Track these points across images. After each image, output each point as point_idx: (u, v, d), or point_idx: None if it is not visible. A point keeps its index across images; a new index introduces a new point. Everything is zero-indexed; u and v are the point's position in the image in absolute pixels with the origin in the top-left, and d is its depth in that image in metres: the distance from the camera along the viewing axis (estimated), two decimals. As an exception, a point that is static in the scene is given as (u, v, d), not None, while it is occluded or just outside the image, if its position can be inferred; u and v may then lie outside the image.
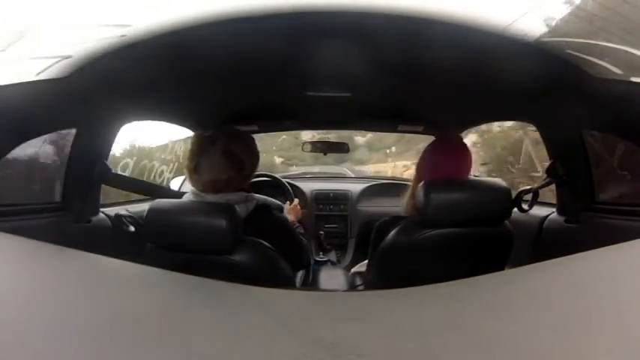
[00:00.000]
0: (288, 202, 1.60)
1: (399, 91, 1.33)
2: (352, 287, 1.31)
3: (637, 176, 0.96)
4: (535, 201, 1.15)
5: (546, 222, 1.20)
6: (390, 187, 2.09)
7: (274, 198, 1.61)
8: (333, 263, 1.91)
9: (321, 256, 1.94)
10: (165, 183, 1.93)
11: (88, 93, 0.98)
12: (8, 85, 0.80)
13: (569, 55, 0.81)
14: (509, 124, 2.88)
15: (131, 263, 0.52)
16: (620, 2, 0.76)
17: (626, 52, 0.78)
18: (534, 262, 0.51)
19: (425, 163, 1.10)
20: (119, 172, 1.47)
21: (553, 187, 1.19)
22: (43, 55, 0.82)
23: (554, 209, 1.20)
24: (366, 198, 2.16)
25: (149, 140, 2.10)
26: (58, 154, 1.08)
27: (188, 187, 1.02)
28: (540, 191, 1.17)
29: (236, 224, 0.84)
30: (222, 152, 0.92)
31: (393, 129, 1.94)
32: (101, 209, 1.23)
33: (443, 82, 1.14)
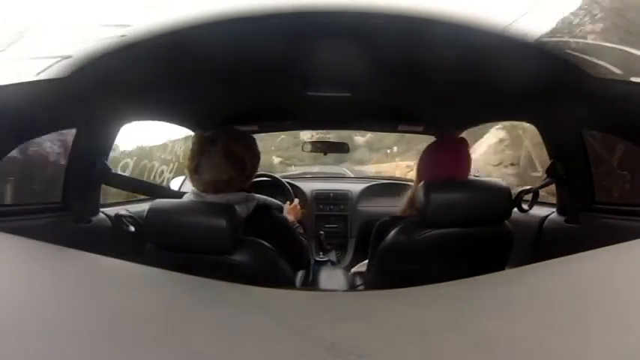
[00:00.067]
0: (288, 202, 1.60)
1: (399, 91, 1.33)
2: (352, 287, 1.31)
3: (637, 176, 0.96)
4: (535, 201, 1.15)
5: (546, 222, 1.20)
6: (390, 187, 2.09)
7: (274, 198, 1.61)
8: (333, 263, 1.91)
9: (321, 256, 1.94)
10: (165, 183, 1.93)
11: (88, 93, 0.98)
12: (8, 85, 0.80)
13: (569, 55, 0.81)
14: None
15: (131, 263, 0.52)
16: (621, 2, 0.76)
17: (626, 52, 0.78)
18: (534, 262, 0.51)
19: (424, 163, 1.10)
20: (119, 172, 1.47)
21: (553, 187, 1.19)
22: (43, 55, 0.82)
23: (554, 209, 1.20)
24: (366, 198, 2.16)
25: (149, 140, 2.10)
26: (58, 154, 1.08)
27: (188, 187, 1.02)
28: (540, 191, 1.17)
29: (236, 224, 0.84)
30: (224, 152, 0.92)
31: (393, 129, 1.94)
32: (101, 209, 1.23)
33: (443, 82, 1.14)
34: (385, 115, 1.63)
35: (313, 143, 2.22)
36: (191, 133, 1.62)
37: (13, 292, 0.41)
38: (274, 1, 0.73)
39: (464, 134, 1.67)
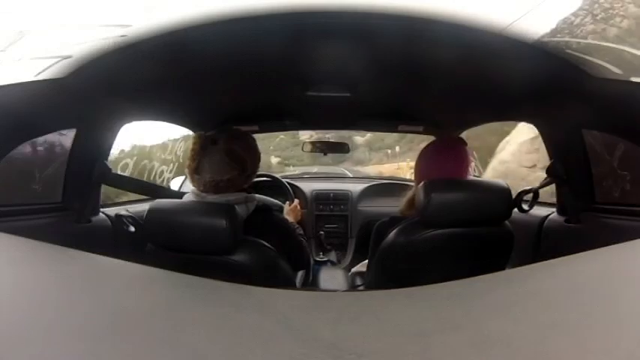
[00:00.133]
0: (287, 203, 1.60)
1: (399, 91, 1.33)
2: (352, 287, 1.31)
3: (637, 176, 0.96)
4: (535, 201, 1.15)
5: (546, 222, 1.20)
6: (391, 187, 2.09)
7: (274, 198, 1.62)
8: (333, 263, 1.91)
9: (321, 256, 1.94)
10: (165, 183, 1.92)
11: (88, 93, 0.98)
12: (8, 85, 0.80)
13: (569, 55, 0.81)
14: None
15: (131, 263, 0.52)
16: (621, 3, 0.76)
17: (626, 52, 0.78)
18: (534, 262, 0.51)
19: (422, 163, 1.10)
20: (119, 172, 1.47)
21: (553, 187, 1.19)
22: (43, 55, 0.82)
23: (554, 209, 1.20)
24: (367, 198, 2.16)
25: (149, 140, 2.10)
26: (58, 154, 1.08)
27: (188, 187, 1.02)
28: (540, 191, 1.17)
29: (236, 224, 0.84)
30: (225, 152, 0.92)
31: (393, 129, 1.94)
32: (101, 209, 1.23)
33: (443, 82, 1.14)
34: (385, 115, 1.63)
35: (313, 143, 2.22)
36: (190, 132, 1.62)
37: (13, 292, 0.41)
38: (274, 1, 0.73)
39: (473, 132, 1.66)
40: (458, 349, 0.32)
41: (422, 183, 0.94)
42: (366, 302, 0.49)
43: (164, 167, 1.98)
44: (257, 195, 1.03)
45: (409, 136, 2.10)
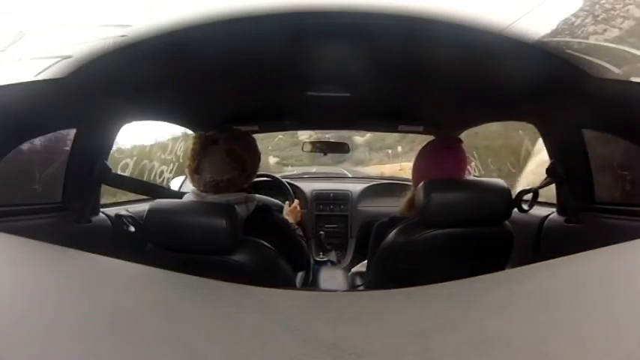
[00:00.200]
0: (287, 203, 1.60)
1: (399, 91, 1.33)
2: (352, 287, 1.31)
3: (637, 176, 0.96)
4: (535, 201, 1.15)
5: (546, 222, 1.20)
6: (391, 187, 2.09)
7: (274, 198, 1.62)
8: (333, 263, 1.91)
9: (321, 256, 1.94)
10: (165, 183, 1.92)
11: (88, 93, 0.98)
12: (8, 85, 0.80)
13: (569, 55, 0.81)
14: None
15: (131, 263, 0.52)
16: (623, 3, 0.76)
17: (627, 52, 0.78)
18: (534, 262, 0.50)
19: (420, 164, 1.11)
20: (119, 172, 1.47)
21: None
22: (43, 55, 0.82)
23: (554, 209, 1.20)
24: (367, 198, 2.16)
25: (149, 140, 2.10)
26: (58, 154, 1.08)
27: (188, 187, 1.02)
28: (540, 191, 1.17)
29: (236, 224, 0.84)
30: (225, 152, 0.92)
31: (393, 129, 1.94)
32: (101, 209, 1.23)
33: (443, 82, 1.14)
34: (385, 115, 1.63)
35: (313, 143, 2.22)
36: (188, 131, 1.62)
37: (13, 292, 0.41)
38: (274, 1, 0.73)
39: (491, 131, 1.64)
40: (458, 349, 0.32)
41: (422, 183, 0.94)
42: (366, 302, 0.49)
43: (164, 167, 1.98)
44: (257, 195, 1.03)
45: (410, 136, 2.09)
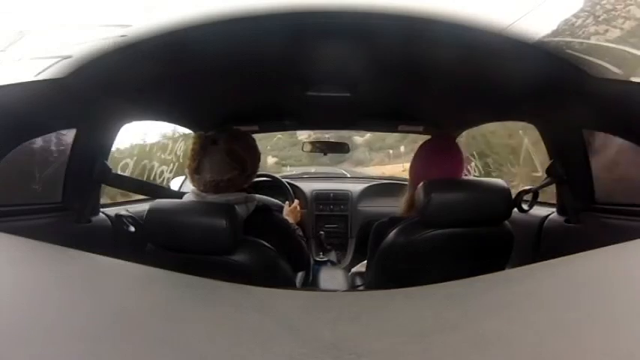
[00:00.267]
0: (287, 203, 1.60)
1: (399, 91, 1.33)
2: (352, 287, 1.31)
3: (637, 176, 0.96)
4: (535, 201, 1.15)
5: (546, 222, 1.20)
6: (391, 187, 2.09)
7: (274, 198, 1.62)
8: (333, 263, 1.91)
9: (321, 256, 1.94)
10: (165, 183, 1.92)
11: (88, 93, 0.98)
12: (8, 85, 0.80)
13: (569, 55, 0.81)
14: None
15: (131, 263, 0.52)
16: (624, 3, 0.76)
17: (627, 52, 0.78)
18: (534, 262, 0.50)
19: (416, 164, 1.11)
20: (119, 172, 1.47)
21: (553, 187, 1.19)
22: (43, 55, 0.82)
23: (554, 209, 1.20)
24: (367, 198, 2.16)
25: (149, 140, 2.10)
26: (58, 154, 1.08)
27: (188, 187, 1.02)
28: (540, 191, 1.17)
29: (236, 224, 0.84)
30: (225, 152, 0.92)
31: (393, 129, 1.94)
32: (101, 209, 1.23)
33: (443, 82, 1.14)
34: (385, 115, 1.63)
35: (313, 143, 2.22)
36: (187, 131, 1.62)
37: (13, 292, 0.41)
38: (274, 1, 0.73)
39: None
40: (458, 349, 0.32)
41: (422, 183, 0.94)
42: (366, 302, 0.49)
43: (164, 167, 1.98)
44: (257, 195, 1.03)
45: (412, 135, 2.09)
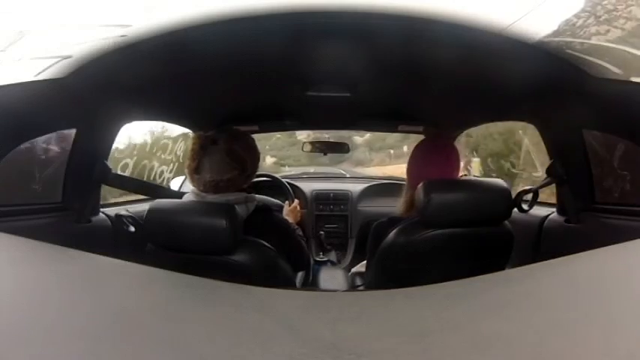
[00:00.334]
0: (287, 203, 1.60)
1: (399, 91, 1.33)
2: (352, 287, 1.31)
3: (637, 176, 0.96)
4: (535, 201, 1.15)
5: (546, 222, 1.20)
6: (391, 187, 2.09)
7: (274, 198, 1.61)
8: (333, 263, 1.91)
9: (321, 256, 1.94)
10: (165, 183, 1.92)
11: (88, 93, 0.98)
12: (8, 85, 0.80)
13: (569, 55, 0.81)
14: None
15: (131, 263, 0.52)
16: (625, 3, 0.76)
17: (627, 52, 0.78)
18: (534, 262, 0.50)
19: (412, 164, 1.11)
20: (119, 172, 1.47)
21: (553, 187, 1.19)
22: (43, 55, 0.82)
23: (554, 209, 1.20)
24: (367, 198, 2.16)
25: (149, 140, 2.10)
26: (58, 154, 1.08)
27: (188, 187, 1.02)
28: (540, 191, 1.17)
29: (236, 224, 0.84)
30: (225, 152, 0.92)
31: (393, 129, 1.94)
32: (101, 209, 1.23)
33: (443, 82, 1.14)
34: (385, 115, 1.63)
35: (313, 143, 2.22)
36: (185, 130, 1.62)
37: (13, 292, 0.41)
38: (274, 1, 0.73)
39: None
40: (458, 349, 0.32)
41: (422, 183, 0.94)
42: (366, 302, 0.49)
43: (164, 167, 1.98)
44: (257, 195, 1.03)
45: (413, 135, 2.08)
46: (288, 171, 4.21)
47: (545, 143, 1.21)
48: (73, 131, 1.08)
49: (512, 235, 0.98)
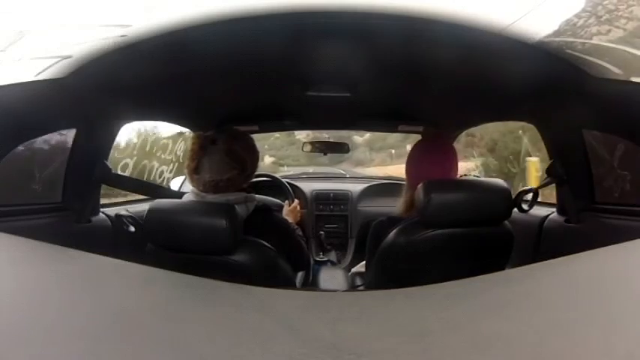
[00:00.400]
0: (287, 203, 1.60)
1: (399, 91, 1.33)
2: (352, 287, 1.31)
3: (637, 176, 0.96)
4: (535, 201, 1.15)
5: (546, 222, 1.20)
6: (391, 187, 2.09)
7: (274, 198, 1.61)
8: (333, 263, 1.91)
9: (321, 256, 1.94)
10: (165, 183, 1.93)
11: (88, 93, 0.98)
12: (8, 85, 0.80)
13: (569, 55, 0.81)
14: None
15: (131, 263, 0.52)
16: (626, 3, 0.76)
17: (627, 52, 0.78)
18: (534, 262, 0.50)
19: (410, 164, 1.11)
20: (119, 172, 1.47)
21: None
22: (43, 55, 0.82)
23: (554, 209, 1.20)
24: (367, 198, 2.16)
25: (149, 140, 2.10)
26: (58, 154, 1.08)
27: (188, 187, 1.02)
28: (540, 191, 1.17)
29: (236, 224, 0.84)
30: (225, 152, 0.92)
31: (393, 129, 1.94)
32: (101, 209, 1.23)
33: (443, 82, 1.14)
34: (385, 115, 1.63)
35: (312, 143, 2.22)
36: (184, 130, 1.62)
37: (13, 293, 0.41)
38: (274, 1, 0.73)
39: None
40: (458, 349, 0.32)
41: (422, 183, 0.94)
42: (366, 302, 0.49)
43: (164, 167, 1.98)
44: (257, 195, 1.03)
45: (414, 135, 2.08)
46: (286, 171, 4.20)
47: (545, 143, 1.21)
48: (73, 131, 1.08)
49: (512, 235, 0.98)
